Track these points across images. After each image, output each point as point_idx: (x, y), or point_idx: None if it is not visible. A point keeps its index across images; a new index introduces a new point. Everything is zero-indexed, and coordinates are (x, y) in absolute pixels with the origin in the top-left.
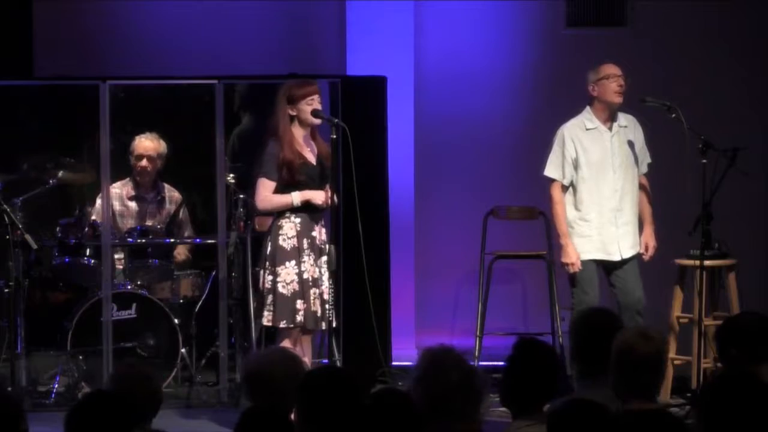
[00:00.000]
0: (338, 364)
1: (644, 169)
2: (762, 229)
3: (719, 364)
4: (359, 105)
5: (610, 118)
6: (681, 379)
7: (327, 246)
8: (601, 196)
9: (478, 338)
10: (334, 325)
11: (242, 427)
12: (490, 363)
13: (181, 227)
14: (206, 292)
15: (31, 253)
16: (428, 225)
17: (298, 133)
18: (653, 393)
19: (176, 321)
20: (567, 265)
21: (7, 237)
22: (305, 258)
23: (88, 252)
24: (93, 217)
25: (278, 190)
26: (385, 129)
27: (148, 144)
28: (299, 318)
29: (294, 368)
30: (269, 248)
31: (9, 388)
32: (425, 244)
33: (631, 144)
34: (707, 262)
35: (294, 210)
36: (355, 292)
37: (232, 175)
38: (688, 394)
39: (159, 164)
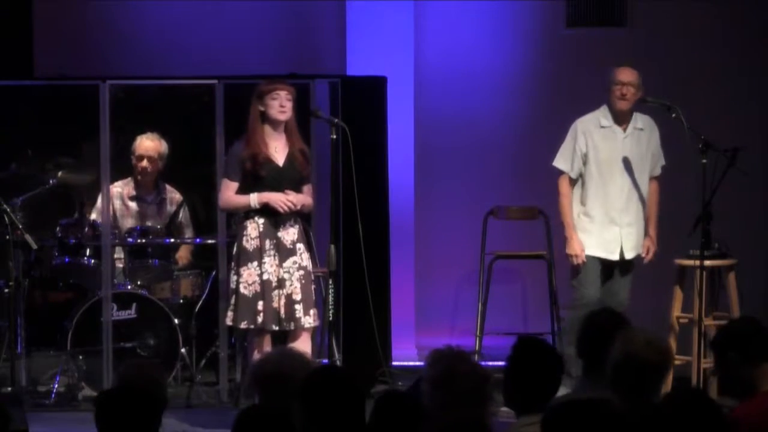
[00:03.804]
0: (338, 364)
1: (657, 171)
2: (762, 229)
3: (716, 369)
4: (359, 105)
5: (624, 119)
6: (681, 380)
7: (297, 246)
8: (606, 195)
9: (478, 338)
10: (314, 323)
11: (240, 426)
12: (490, 363)
13: (181, 228)
14: (206, 292)
15: (31, 253)
16: (428, 225)
17: (268, 131)
18: (653, 396)
19: (176, 321)
20: (571, 256)
21: (7, 237)
22: (266, 259)
23: (88, 252)
24: (93, 217)
25: (242, 189)
26: (385, 129)
27: (148, 144)
28: (260, 319)
29: (307, 367)
30: (234, 249)
31: (9, 389)
32: (425, 244)
33: (644, 148)
34: (707, 262)
35: (259, 211)
36: (355, 292)
37: None
38: None
39: (160, 165)
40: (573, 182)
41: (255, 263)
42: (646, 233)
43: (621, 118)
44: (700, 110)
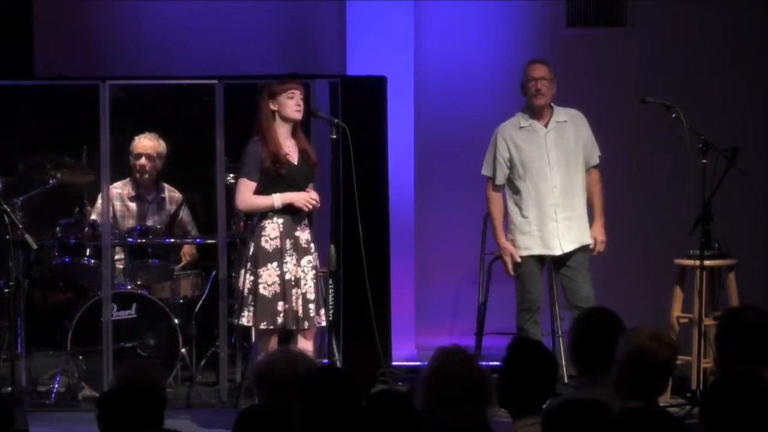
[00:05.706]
0: (338, 364)
1: (594, 161)
2: (762, 229)
3: (717, 365)
4: (359, 105)
5: (544, 115)
6: (681, 379)
7: (311, 245)
8: (539, 193)
9: (478, 338)
10: (323, 322)
11: (240, 426)
12: (490, 363)
13: (183, 227)
14: (206, 292)
15: (31, 253)
16: (428, 225)
17: (281, 129)
18: (657, 395)
19: (176, 321)
20: (504, 259)
21: (7, 237)
22: (287, 259)
23: (88, 252)
24: (93, 217)
25: (260, 190)
26: (385, 129)
27: (147, 143)
28: (280, 320)
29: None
30: (251, 249)
31: (9, 389)
32: (425, 245)
33: (571, 139)
34: (707, 262)
35: (277, 211)
36: (355, 292)
37: (232, 175)
38: (688, 394)
39: (159, 164)
40: (499, 187)
41: (275, 263)
42: (592, 225)
43: (540, 115)
44: (700, 110)
